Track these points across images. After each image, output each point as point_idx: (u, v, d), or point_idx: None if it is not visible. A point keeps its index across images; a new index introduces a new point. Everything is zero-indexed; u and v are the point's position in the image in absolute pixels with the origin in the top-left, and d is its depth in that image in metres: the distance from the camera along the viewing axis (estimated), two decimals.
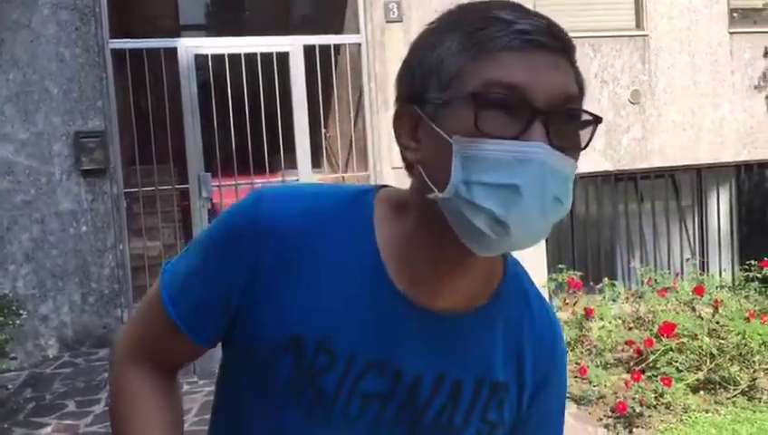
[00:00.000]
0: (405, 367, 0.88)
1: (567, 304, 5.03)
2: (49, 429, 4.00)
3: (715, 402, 4.07)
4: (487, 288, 0.92)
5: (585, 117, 0.81)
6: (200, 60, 5.90)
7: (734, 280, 5.83)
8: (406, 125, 0.85)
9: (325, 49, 6.13)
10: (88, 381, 4.78)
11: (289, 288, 0.87)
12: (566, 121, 0.79)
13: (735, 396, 4.09)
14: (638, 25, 6.74)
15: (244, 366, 0.91)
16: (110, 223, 5.47)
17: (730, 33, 6.86)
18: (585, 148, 0.81)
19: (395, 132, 0.87)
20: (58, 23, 5.30)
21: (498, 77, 0.77)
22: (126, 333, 1.02)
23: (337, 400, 0.88)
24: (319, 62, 6.02)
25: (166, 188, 6.07)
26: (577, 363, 4.41)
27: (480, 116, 0.77)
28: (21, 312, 4.87)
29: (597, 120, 0.81)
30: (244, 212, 0.90)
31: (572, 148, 0.79)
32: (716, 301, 4.56)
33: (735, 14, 6.91)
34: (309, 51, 6.01)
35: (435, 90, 0.81)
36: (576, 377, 4.31)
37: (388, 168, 5.95)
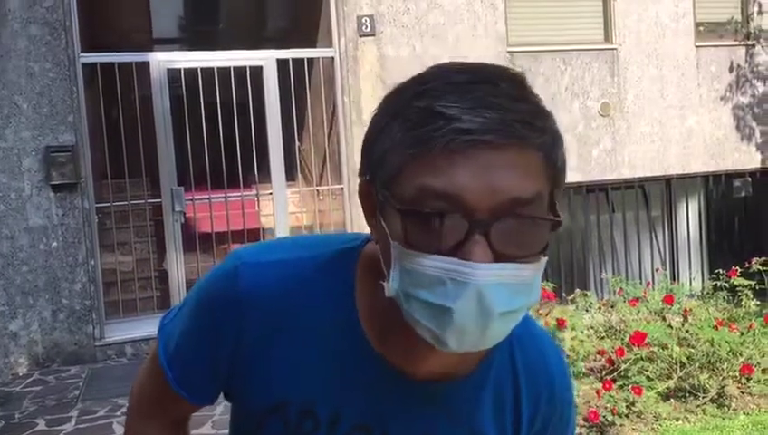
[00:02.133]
0: (390, 431, 0.87)
1: (540, 314, 5.06)
2: None
3: (686, 410, 4.13)
4: (475, 357, 0.86)
5: (540, 218, 0.72)
6: (173, 74, 5.89)
7: (703, 289, 5.93)
8: (366, 202, 0.81)
9: (299, 63, 6.16)
10: (59, 399, 4.71)
11: (272, 357, 0.86)
12: (519, 229, 0.70)
13: (705, 404, 4.15)
14: (607, 39, 6.86)
15: (240, 424, 0.93)
16: (81, 238, 5.42)
17: (696, 46, 7.01)
18: (543, 252, 0.73)
19: (360, 200, 0.83)
20: (28, 37, 5.26)
21: (432, 184, 0.69)
22: (133, 390, 1.04)
23: None
24: (292, 75, 6.04)
25: (138, 202, 6.03)
26: None
27: (411, 228, 0.71)
28: None
29: (554, 223, 0.73)
30: (222, 283, 0.88)
31: (529, 255, 0.72)
32: (686, 310, 4.64)
33: (702, 28, 7.07)
34: (282, 65, 6.03)
35: (380, 184, 0.75)
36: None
37: None
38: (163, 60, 5.88)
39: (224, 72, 5.94)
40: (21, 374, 5.24)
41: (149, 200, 6.13)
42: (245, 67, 6.00)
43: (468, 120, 0.69)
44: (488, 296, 0.69)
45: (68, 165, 5.31)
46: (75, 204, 5.40)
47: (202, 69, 5.90)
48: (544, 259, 0.74)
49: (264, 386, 0.86)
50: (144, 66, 5.78)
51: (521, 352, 0.91)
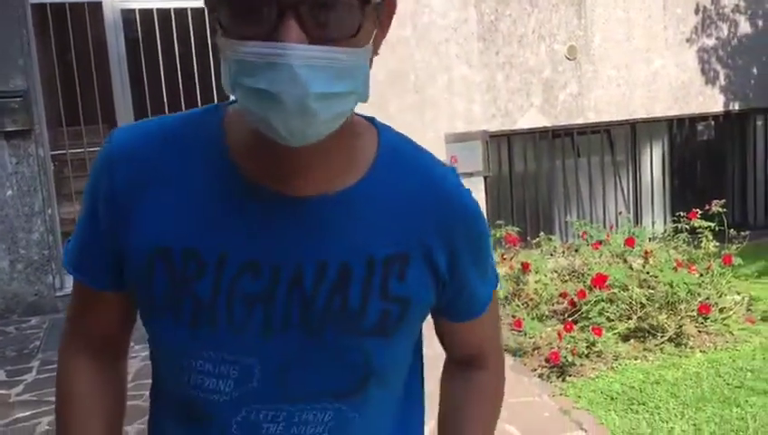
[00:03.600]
0: (281, 261, 0.84)
1: (505, 259, 5.09)
2: None
3: (644, 350, 4.21)
4: (355, 167, 0.87)
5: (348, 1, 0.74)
6: (127, 15, 5.67)
7: (665, 231, 6.00)
8: (211, 26, 0.82)
9: None
10: (19, 349, 4.66)
11: (147, 207, 0.86)
12: (329, 9, 0.73)
13: (663, 343, 4.23)
14: None
15: (137, 299, 0.91)
16: (36, 187, 5.28)
17: None
18: (356, 35, 0.75)
19: (210, 32, 0.85)
20: None
21: None
22: (64, 321, 1.04)
23: (216, 306, 0.85)
24: None
25: (95, 149, 5.85)
26: (513, 316, 4.49)
27: (230, 20, 0.74)
28: None
29: (360, 1, 0.75)
30: (99, 155, 0.90)
31: (341, 36, 0.74)
32: (646, 252, 4.69)
33: None
34: None
35: None
36: (512, 330, 4.39)
37: None
38: (116, 1, 5.65)
39: (180, 12, 5.74)
40: None
41: None
42: (203, 9, 5.78)
43: None
44: (303, 76, 0.71)
45: (20, 111, 5.13)
46: (29, 151, 5.24)
47: (158, 10, 5.68)
48: (365, 49, 0.77)
49: (143, 235, 0.86)
50: (97, 8, 5.56)
51: (426, 163, 0.93)
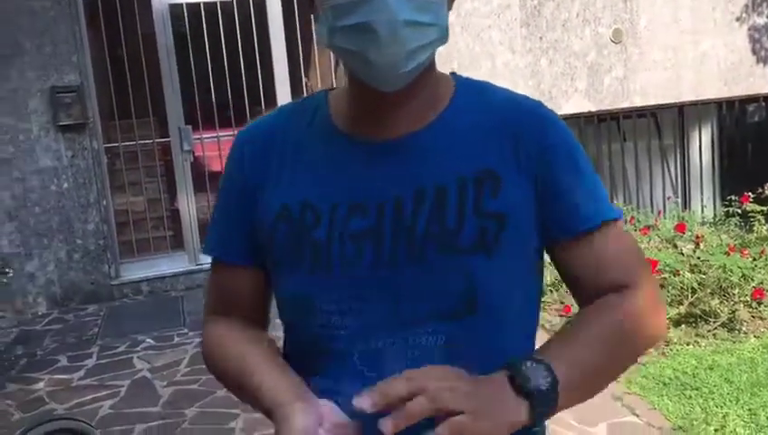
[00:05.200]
0: (384, 199, 0.94)
1: None
2: (42, 383, 4.04)
3: (696, 335, 4.16)
4: (436, 105, 0.98)
5: None
6: (175, 9, 5.78)
7: (715, 216, 5.90)
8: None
9: None
10: (78, 336, 4.82)
11: (271, 177, 1.00)
12: None
13: (716, 328, 4.18)
14: None
15: (266, 261, 1.03)
16: (91, 179, 5.43)
17: None
18: None
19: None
20: None
21: None
22: (205, 303, 1.16)
23: (331, 247, 0.94)
24: (297, 7, 5.91)
25: (146, 142, 6.01)
26: (562, 302, 4.48)
27: None
28: (7, 270, 4.88)
29: None
30: (229, 153, 1.08)
31: None
32: (698, 237, 4.63)
33: None
34: None
35: None
36: (561, 316, 4.39)
37: None
38: None
39: (227, 5, 5.82)
40: (40, 314, 5.34)
41: (158, 140, 6.10)
42: (249, 1, 5.87)
43: None
44: (393, 5, 0.82)
45: (74, 105, 5.28)
46: (84, 145, 5.39)
47: (204, 4, 5.78)
48: None
49: (269, 203, 1.00)
50: (146, 2, 5.67)
51: (501, 92, 1.02)
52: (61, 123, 5.26)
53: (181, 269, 5.75)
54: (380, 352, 0.92)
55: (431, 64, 0.96)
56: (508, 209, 0.92)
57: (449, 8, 0.93)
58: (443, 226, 0.91)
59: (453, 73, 1.05)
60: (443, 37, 0.90)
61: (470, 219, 0.91)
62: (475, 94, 1.01)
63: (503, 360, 0.85)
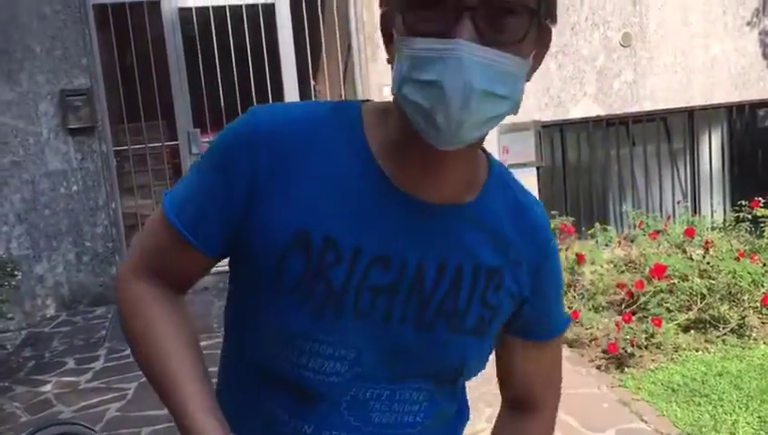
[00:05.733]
0: (409, 258, 0.92)
1: (560, 249, 5.05)
2: (49, 386, 4.05)
3: (706, 341, 4.13)
4: (473, 185, 0.97)
5: (520, 8, 0.82)
6: (184, 14, 5.80)
7: (725, 221, 5.86)
8: (384, 31, 0.91)
9: (312, 1, 6.03)
10: (86, 338, 4.83)
11: (290, 188, 0.90)
12: (501, 15, 0.81)
13: (725, 334, 4.14)
14: None
15: (254, 276, 0.93)
16: (100, 182, 5.45)
17: None
18: (522, 40, 0.83)
19: (381, 34, 0.93)
20: None
21: None
22: (131, 251, 1.04)
23: (346, 294, 0.90)
24: (306, 13, 5.93)
25: (155, 145, 6.04)
26: (570, 308, 4.46)
27: (409, 15, 0.82)
28: (16, 272, 4.90)
29: (530, 11, 0.83)
30: (238, 127, 0.93)
31: (509, 41, 0.82)
32: (707, 242, 4.60)
33: None
34: (295, 2, 5.91)
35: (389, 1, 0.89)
36: None
37: None
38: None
39: (236, 10, 5.84)
40: (48, 316, 5.36)
41: (167, 143, 6.13)
42: (257, 5, 5.89)
43: None
44: (471, 70, 0.78)
45: (84, 109, 5.31)
46: (93, 148, 5.42)
47: (213, 8, 5.80)
48: (526, 61, 0.85)
49: (284, 217, 0.89)
50: (155, 7, 5.70)
51: (519, 192, 1.03)
52: (70, 126, 5.29)
53: None
54: (367, 402, 0.95)
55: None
56: (502, 304, 1.00)
57: (527, 80, 0.88)
58: (455, 305, 0.95)
59: (483, 150, 1.03)
60: (514, 110, 0.87)
61: (476, 306, 0.97)
62: (501, 184, 1.02)
63: (453, 409, 1.06)
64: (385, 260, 0.91)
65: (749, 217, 4.86)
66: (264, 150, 0.90)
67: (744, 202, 4.95)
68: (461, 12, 0.79)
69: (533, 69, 0.89)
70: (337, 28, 6.12)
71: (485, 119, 0.83)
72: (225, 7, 5.84)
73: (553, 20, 0.89)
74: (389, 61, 0.89)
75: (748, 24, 6.85)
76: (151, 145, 5.97)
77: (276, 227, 0.89)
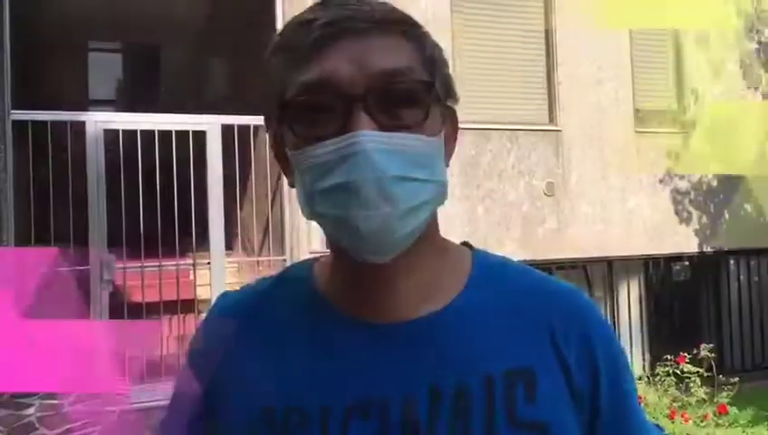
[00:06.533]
0: (389, 396, 0.76)
1: None
2: (32, 409, 4.04)
3: None
4: (446, 287, 0.82)
5: (414, 85, 0.75)
6: (110, 135, 5.61)
7: (644, 370, 5.87)
8: (278, 151, 0.83)
9: (244, 129, 5.98)
10: None
11: (248, 369, 0.83)
12: (395, 98, 0.74)
13: None
14: (552, 121, 6.96)
15: None
16: None
17: (636, 132, 7.19)
18: (426, 119, 0.75)
19: (276, 159, 0.85)
20: None
21: (308, 78, 0.74)
22: None
23: None
24: (237, 142, 5.85)
25: (62, 269, 5.61)
26: None
27: (297, 125, 0.75)
28: None
29: (426, 85, 0.75)
30: (199, 329, 0.91)
31: (412, 123, 0.74)
32: (639, 397, 4.53)
33: (641, 115, 7.27)
34: (227, 130, 5.84)
35: (276, 113, 0.79)
36: None
37: (305, 252, 5.75)
38: (100, 120, 5.61)
39: (165, 135, 5.70)
40: None
41: (76, 268, 5.72)
42: (188, 132, 5.77)
43: (327, 16, 0.74)
44: (379, 161, 0.70)
45: None
46: None
47: (142, 131, 5.64)
48: (437, 140, 0.77)
49: (246, 400, 0.81)
50: (80, 126, 5.49)
51: (532, 276, 0.86)
52: None
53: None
54: None
55: (431, 230, 0.80)
56: (550, 417, 0.75)
57: (449, 153, 0.82)
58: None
59: (466, 244, 0.90)
60: (441, 196, 0.77)
61: (503, 430, 0.74)
62: (497, 272, 0.85)
63: None
64: (360, 408, 0.76)
65: (677, 371, 4.86)
66: (219, 339, 0.85)
67: (669, 356, 4.97)
68: (350, 105, 0.72)
69: (449, 153, 0.81)
70: (267, 159, 6.05)
71: (410, 207, 0.73)
72: (153, 132, 5.69)
73: (454, 99, 0.82)
74: (291, 184, 0.81)
75: (661, 181, 7.24)
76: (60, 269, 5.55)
77: (241, 411, 0.81)
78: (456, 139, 0.84)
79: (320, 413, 0.77)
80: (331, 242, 0.81)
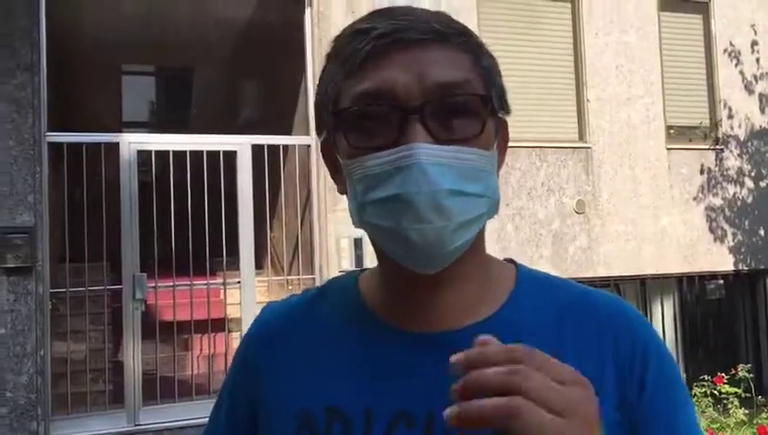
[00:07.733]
0: (435, 404, 0.72)
1: None
2: None
3: None
4: (491, 299, 0.82)
5: (470, 99, 0.75)
6: (143, 156, 5.70)
7: None
8: (328, 159, 0.84)
9: (274, 149, 6.04)
10: None
11: (287, 374, 0.84)
12: (451, 110, 0.74)
13: None
14: (581, 138, 6.92)
15: None
16: (31, 326, 5.05)
17: (667, 148, 7.10)
18: (481, 133, 0.75)
19: (326, 166, 0.86)
20: None
21: (364, 88, 0.74)
22: None
23: None
24: (267, 162, 5.90)
25: (96, 288, 5.70)
26: None
27: (353, 138, 0.75)
28: None
29: (483, 99, 0.75)
30: (243, 337, 0.93)
31: (468, 136, 0.74)
32: None
33: (672, 131, 7.19)
34: (257, 150, 5.90)
35: (330, 122, 0.80)
36: None
37: (335, 270, 5.75)
38: (133, 141, 5.70)
39: (196, 155, 5.78)
40: None
41: (109, 287, 5.80)
42: (219, 152, 5.85)
43: (384, 26, 0.74)
44: (433, 174, 0.71)
45: (24, 247, 5.01)
46: (29, 289, 5.06)
47: (174, 152, 5.72)
48: (491, 153, 0.77)
49: (284, 401, 0.83)
50: (113, 148, 5.59)
51: (578, 290, 0.85)
52: (7, 265, 4.96)
53: (116, 430, 5.26)
54: None
55: (479, 244, 0.81)
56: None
57: (500, 164, 0.81)
58: None
59: (511, 260, 0.89)
60: (492, 210, 0.78)
61: None
62: (541, 286, 0.85)
63: None
64: (405, 415, 0.76)
65: (714, 392, 4.75)
66: (262, 348, 0.89)
67: (705, 377, 4.86)
68: (407, 116, 0.72)
69: (499, 164, 0.81)
70: (297, 178, 6.10)
71: (463, 222, 0.73)
72: (185, 152, 5.78)
73: (507, 111, 0.81)
74: (341, 191, 0.82)
75: (694, 199, 7.13)
76: (92, 288, 5.63)
77: (279, 410, 0.83)
78: (506, 150, 0.84)
79: (363, 419, 0.78)
80: (379, 252, 0.81)
